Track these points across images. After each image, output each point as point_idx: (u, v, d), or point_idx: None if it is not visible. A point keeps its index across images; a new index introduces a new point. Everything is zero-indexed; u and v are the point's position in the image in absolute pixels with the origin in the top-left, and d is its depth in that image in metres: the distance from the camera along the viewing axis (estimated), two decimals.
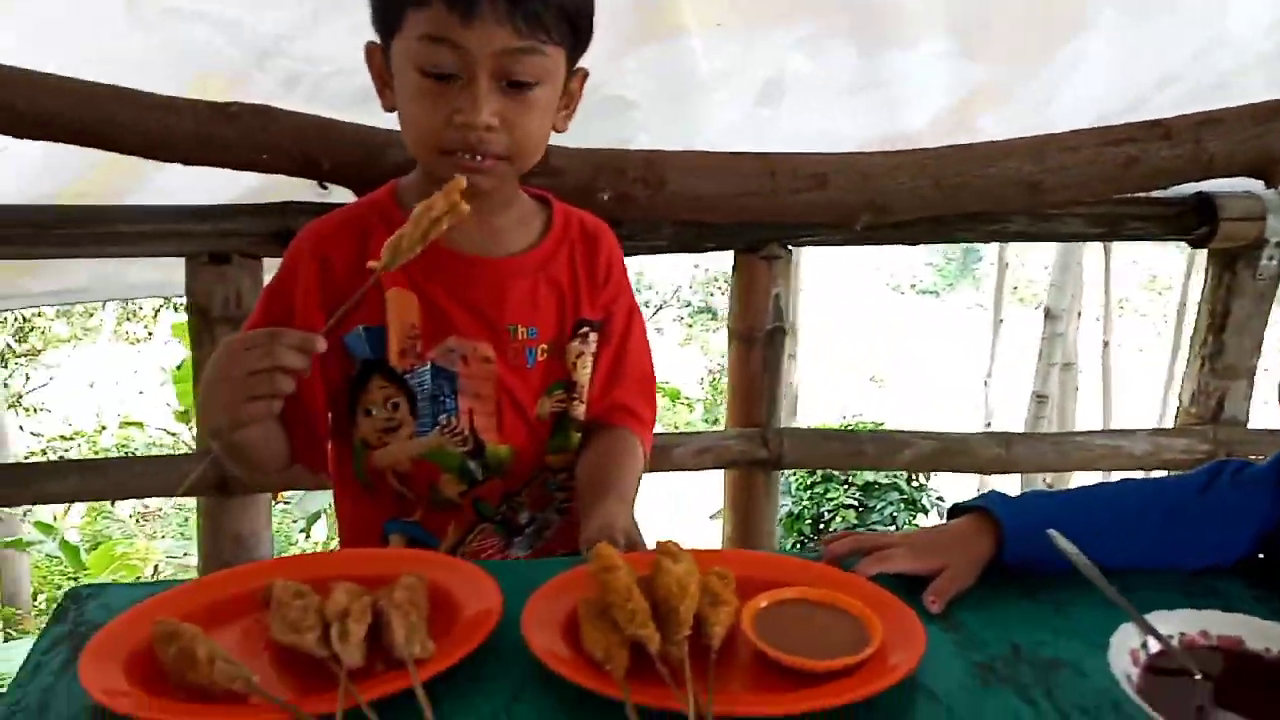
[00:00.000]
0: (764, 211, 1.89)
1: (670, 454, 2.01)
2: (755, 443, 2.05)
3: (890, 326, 16.45)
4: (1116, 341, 9.33)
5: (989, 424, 11.38)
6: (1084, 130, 1.89)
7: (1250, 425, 2.16)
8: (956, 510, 1.20)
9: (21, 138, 1.68)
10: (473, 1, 1.14)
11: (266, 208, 1.82)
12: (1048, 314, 7.00)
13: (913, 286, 17.22)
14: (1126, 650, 0.93)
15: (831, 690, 0.90)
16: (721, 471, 2.10)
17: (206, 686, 0.89)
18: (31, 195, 1.83)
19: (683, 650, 0.91)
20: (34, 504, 2.01)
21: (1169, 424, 2.31)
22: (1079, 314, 7.58)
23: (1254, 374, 2.14)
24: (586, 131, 1.91)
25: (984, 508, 1.15)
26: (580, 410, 1.44)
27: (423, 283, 1.33)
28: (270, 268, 1.83)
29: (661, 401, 10.22)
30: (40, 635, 1.02)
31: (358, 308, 1.26)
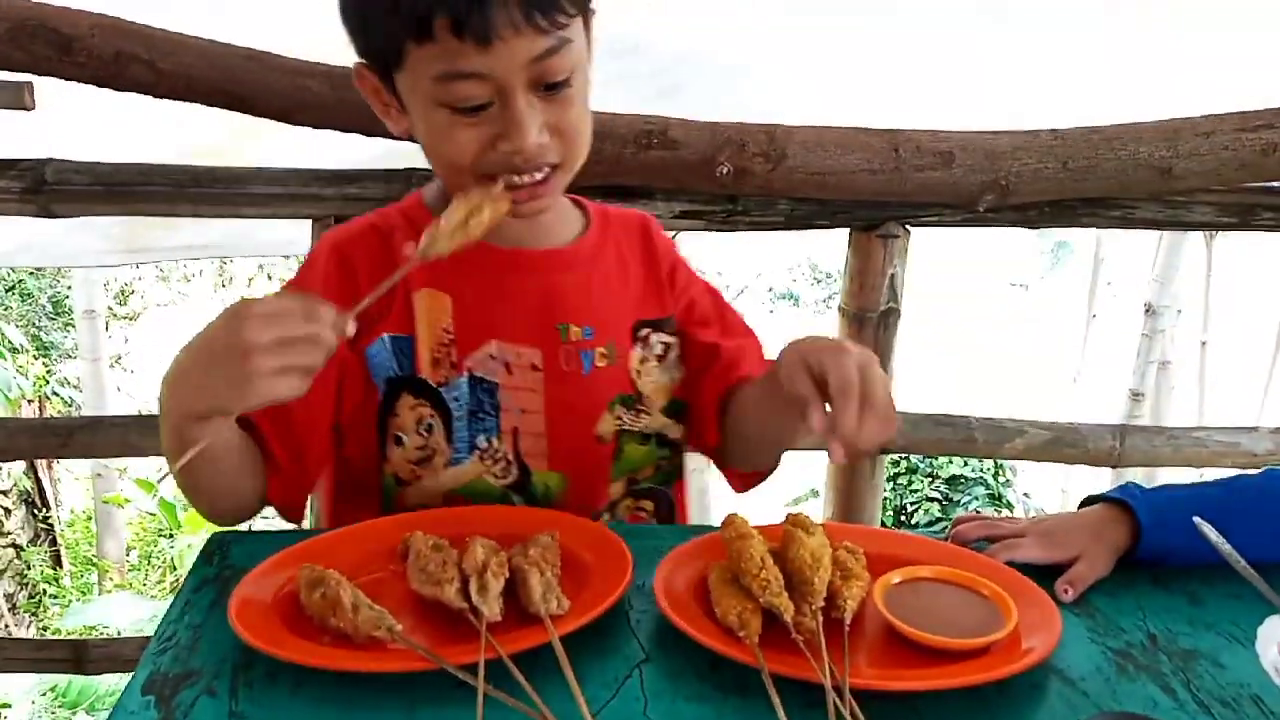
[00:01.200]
0: (884, 189, 1.86)
1: None
2: None
3: (980, 316, 16.16)
4: (1215, 339, 9.04)
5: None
6: (1219, 115, 1.83)
7: None
8: (1088, 501, 1.18)
9: (160, 97, 1.73)
10: (485, 23, 0.98)
11: (393, 173, 1.85)
12: (1149, 309, 6.80)
13: (1004, 279, 16.87)
14: (1274, 643, 0.90)
15: (965, 669, 0.89)
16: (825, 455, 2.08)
17: (350, 632, 0.91)
18: (157, 154, 1.89)
19: (816, 621, 0.91)
20: (126, 456, 2.05)
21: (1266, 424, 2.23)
22: (1179, 311, 7.36)
23: None
24: (702, 98, 1.92)
25: (1120, 499, 1.13)
26: (648, 423, 1.26)
27: (456, 280, 1.18)
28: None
29: None
30: (188, 575, 1.05)
31: (385, 314, 1.16)
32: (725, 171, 1.81)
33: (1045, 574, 1.07)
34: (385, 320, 1.18)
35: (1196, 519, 1.04)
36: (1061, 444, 2.09)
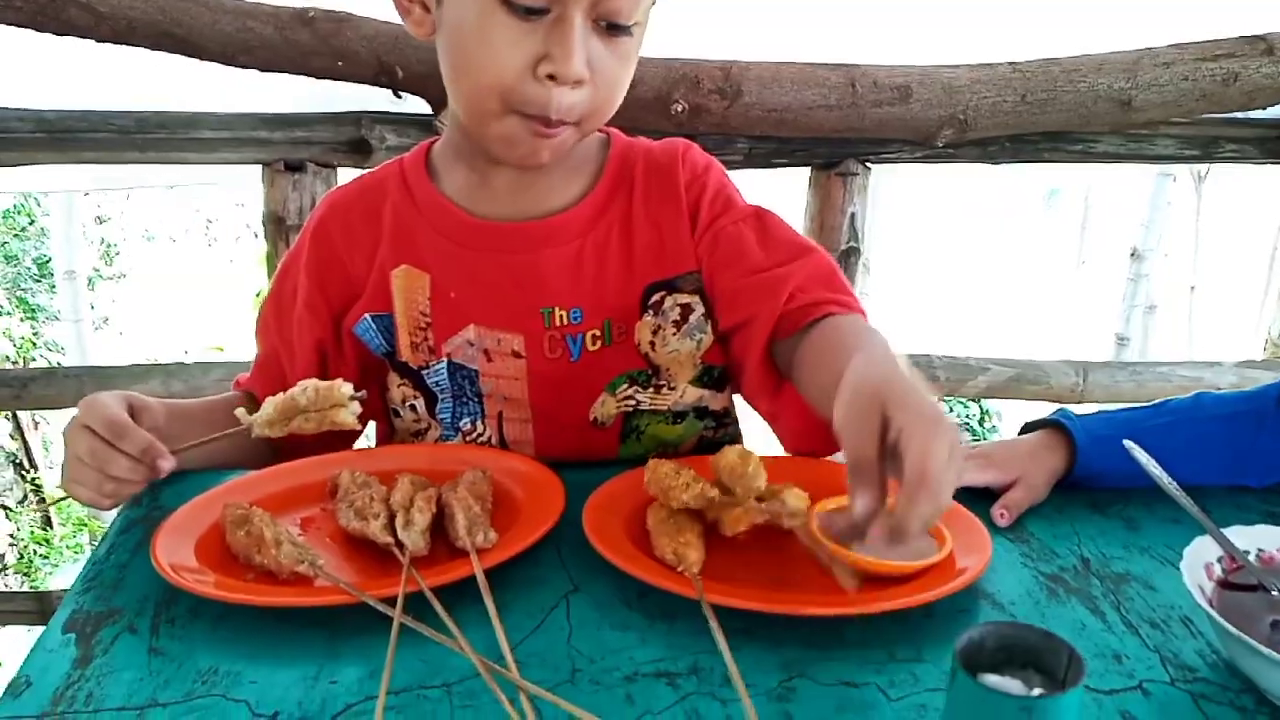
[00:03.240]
0: (842, 125, 1.84)
1: None
2: None
3: (966, 256, 16.14)
4: (1203, 283, 9.03)
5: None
6: (1180, 45, 1.81)
7: None
8: (1028, 428, 1.17)
9: (101, 41, 1.70)
10: None
11: (342, 116, 1.83)
12: (1134, 254, 6.78)
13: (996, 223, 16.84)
14: (1201, 564, 0.90)
15: (895, 593, 0.89)
16: None
17: (274, 569, 0.90)
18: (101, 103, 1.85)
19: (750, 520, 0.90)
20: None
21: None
22: (1165, 255, 7.34)
23: None
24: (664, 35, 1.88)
25: (1057, 422, 1.12)
26: (668, 399, 1.15)
27: (433, 257, 1.10)
28: (345, 177, 1.84)
29: None
30: (116, 517, 1.05)
31: (362, 292, 1.12)
32: (681, 109, 1.79)
33: (984, 499, 1.06)
34: (366, 297, 1.13)
35: (1126, 442, 1.03)
36: (1024, 380, 2.08)
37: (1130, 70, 1.80)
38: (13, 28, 1.68)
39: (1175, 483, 1.01)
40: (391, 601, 0.85)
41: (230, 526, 0.94)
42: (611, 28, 0.96)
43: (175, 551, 0.93)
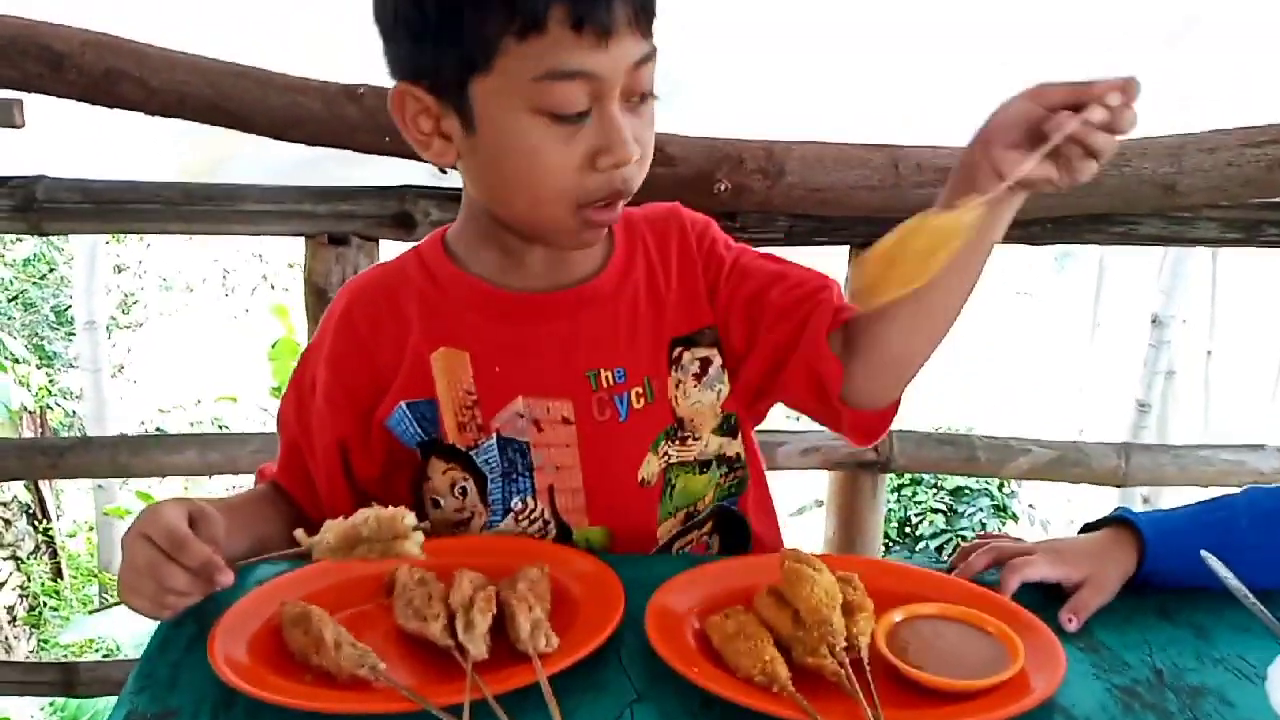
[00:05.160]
0: (885, 205, 1.84)
1: (775, 452, 1.98)
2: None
3: (985, 326, 16.16)
4: (1220, 349, 9.03)
5: (1081, 431, 11.14)
6: (1224, 130, 1.81)
7: None
8: (1088, 528, 1.15)
9: (153, 114, 1.71)
10: (609, 14, 0.93)
11: (386, 190, 1.83)
12: (1155, 320, 6.78)
13: (1007, 285, 16.88)
14: None
15: (970, 710, 0.86)
16: (825, 472, 2.06)
17: (333, 670, 0.88)
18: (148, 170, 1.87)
19: (844, 664, 0.88)
20: (117, 476, 2.08)
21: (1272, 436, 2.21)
22: (1184, 321, 7.34)
23: None
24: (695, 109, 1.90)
25: (1122, 519, 1.10)
26: (694, 450, 1.17)
27: (472, 334, 1.11)
28: (388, 250, 1.84)
29: None
30: None
31: (395, 381, 1.11)
32: (723, 188, 1.79)
33: (1051, 599, 1.04)
34: (399, 387, 1.12)
35: (1204, 553, 1.01)
36: (1066, 463, 2.06)
37: (1174, 155, 1.79)
38: (66, 100, 1.69)
39: (1249, 593, 0.99)
40: (455, 709, 0.83)
41: (288, 625, 0.93)
42: (643, 98, 1.00)
43: (231, 649, 0.91)
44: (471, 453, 1.13)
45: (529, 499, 1.13)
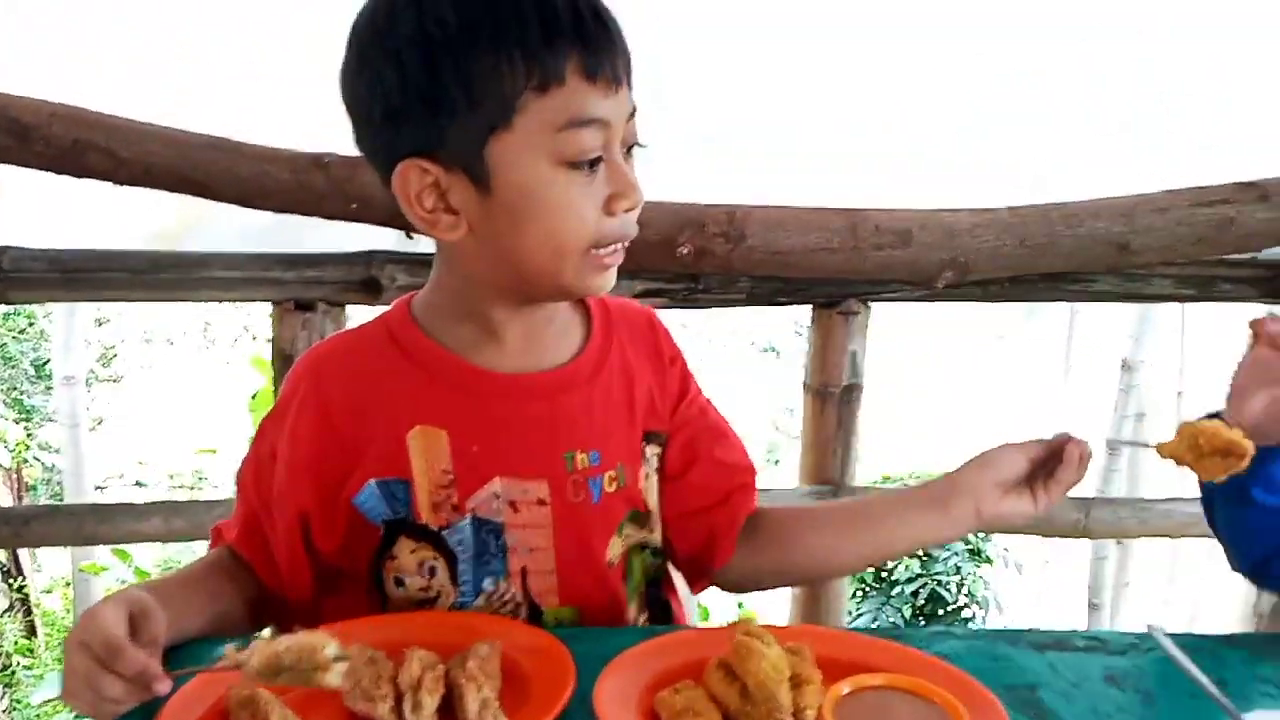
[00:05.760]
0: (844, 267, 1.87)
1: None
2: (826, 499, 2.02)
3: (959, 370, 16.26)
4: (1190, 390, 9.11)
5: None
6: (1175, 191, 1.86)
7: None
8: None
9: (121, 184, 1.73)
10: (612, 66, 0.99)
11: (352, 256, 1.85)
12: (1125, 365, 6.84)
13: (987, 329, 17.01)
14: None
15: None
16: None
17: None
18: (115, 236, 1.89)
19: None
20: (82, 545, 2.07)
21: None
22: (1152, 365, 7.40)
23: None
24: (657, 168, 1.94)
25: None
26: (648, 537, 1.21)
27: (451, 414, 1.10)
28: (355, 316, 1.86)
29: None
30: None
31: (367, 459, 1.10)
32: (686, 251, 1.82)
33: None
34: (370, 464, 1.10)
35: (1152, 628, 1.04)
36: None
37: (1127, 215, 1.84)
38: (33, 170, 1.71)
39: (1195, 668, 1.01)
40: None
41: (235, 709, 0.92)
42: (630, 149, 1.04)
43: None
44: (444, 533, 1.12)
45: (501, 580, 1.13)
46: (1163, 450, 1.10)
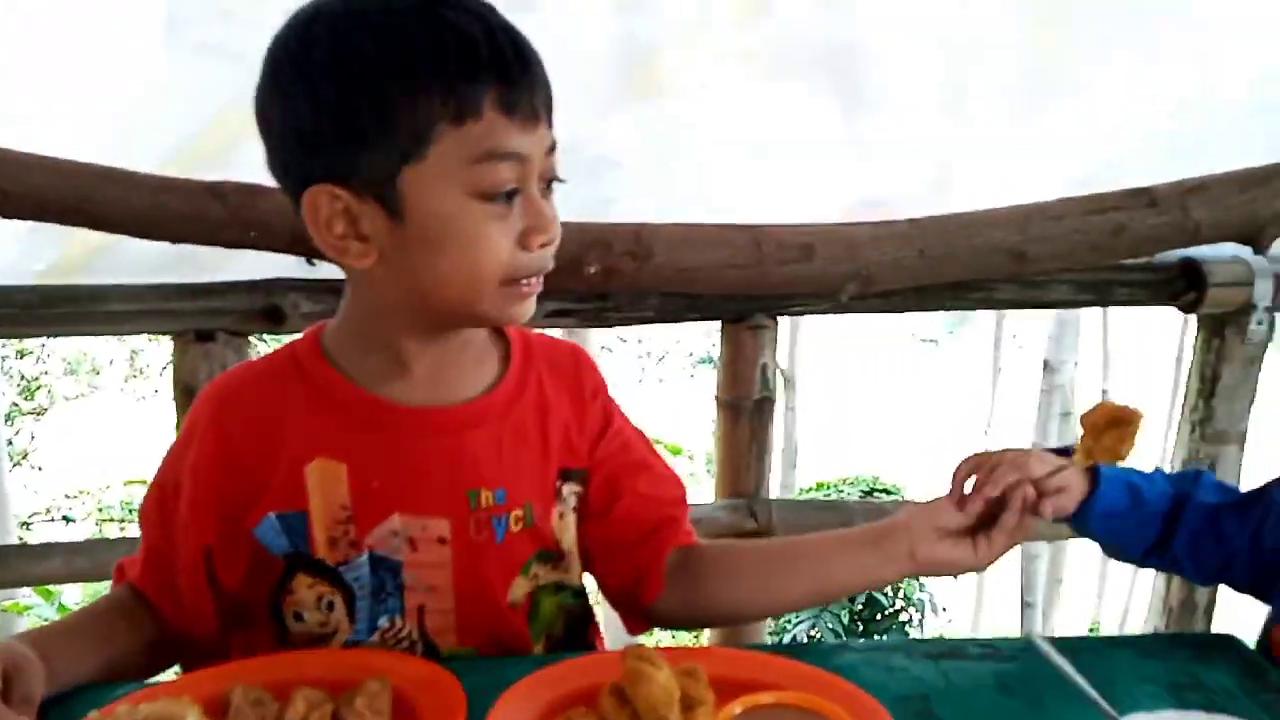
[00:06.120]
0: (750, 283, 1.89)
1: None
2: (743, 514, 2.03)
3: (893, 375, 16.47)
4: (1116, 388, 9.31)
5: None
6: (1069, 199, 1.90)
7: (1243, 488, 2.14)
8: None
9: (10, 218, 1.69)
10: (531, 101, 0.98)
11: (254, 284, 1.83)
12: (1046, 366, 7.00)
13: (913, 335, 17.27)
14: None
15: None
16: None
17: None
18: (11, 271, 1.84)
19: None
20: (19, 586, 2.01)
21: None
22: (1075, 364, 7.58)
23: (1244, 439, 2.13)
24: (572, 192, 1.95)
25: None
26: (563, 578, 1.20)
27: (352, 448, 1.09)
28: (257, 345, 1.83)
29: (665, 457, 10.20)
30: None
31: (267, 491, 1.08)
32: (594, 271, 1.82)
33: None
34: (270, 497, 1.09)
35: (1034, 638, 1.06)
36: None
37: (1022, 224, 1.88)
38: None
39: (1077, 674, 1.04)
40: None
41: None
42: (550, 183, 1.05)
43: None
44: (341, 569, 1.10)
45: (397, 618, 1.12)
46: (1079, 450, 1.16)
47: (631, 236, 1.84)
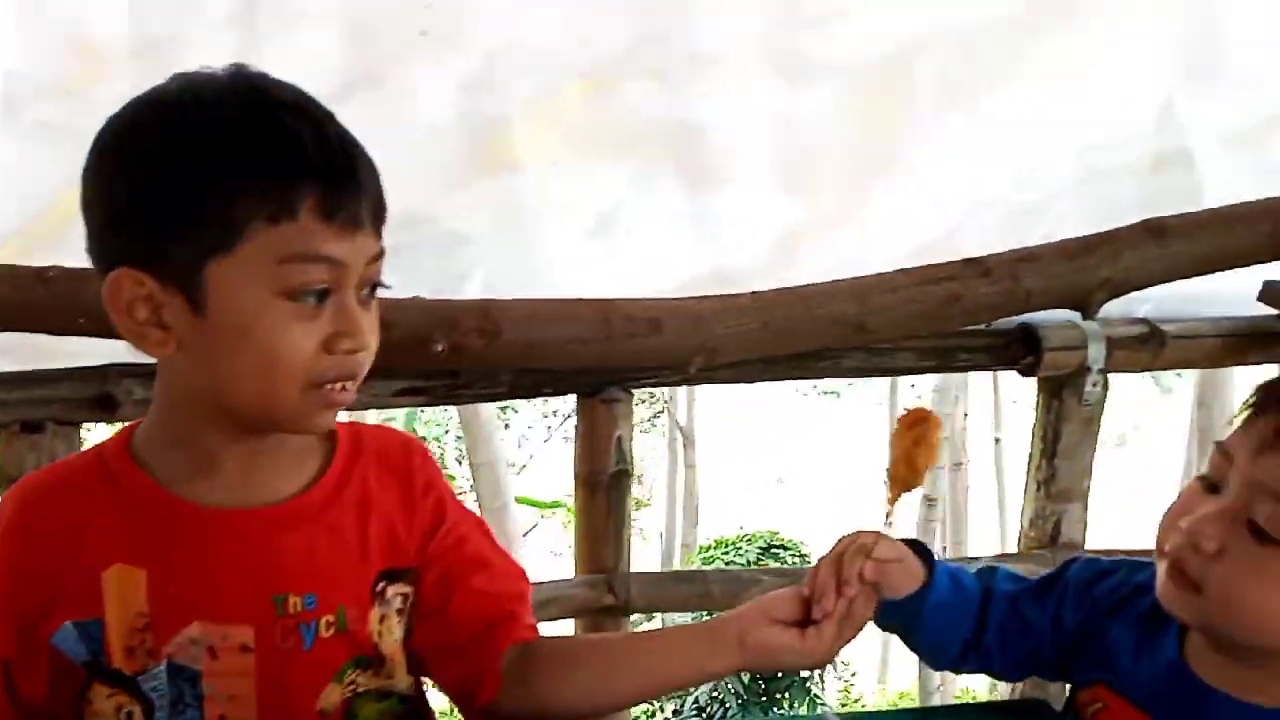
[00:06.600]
0: (598, 358, 1.91)
1: None
2: (601, 589, 2.02)
3: (795, 429, 16.70)
4: (1009, 436, 9.56)
5: (890, 523, 11.58)
6: (905, 270, 1.96)
7: (1087, 546, 2.21)
8: None
9: None
10: (354, 209, 0.97)
11: (85, 371, 1.77)
12: None
13: (814, 387, 17.56)
14: None
15: None
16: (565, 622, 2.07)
17: None
18: None
19: None
20: None
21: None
22: (966, 415, 7.79)
23: (1087, 496, 2.20)
24: (421, 267, 1.96)
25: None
26: (387, 684, 1.15)
27: (153, 552, 1.05)
28: (89, 434, 1.78)
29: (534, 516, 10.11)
30: None
31: (63, 597, 1.03)
32: (441, 349, 1.81)
33: None
34: (67, 605, 1.04)
35: (822, 709, 1.07)
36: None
37: (862, 296, 1.93)
38: None
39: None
40: None
41: None
42: (374, 288, 1.03)
43: None
44: (139, 678, 1.06)
45: None
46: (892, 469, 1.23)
47: (478, 313, 1.84)
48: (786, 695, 6.53)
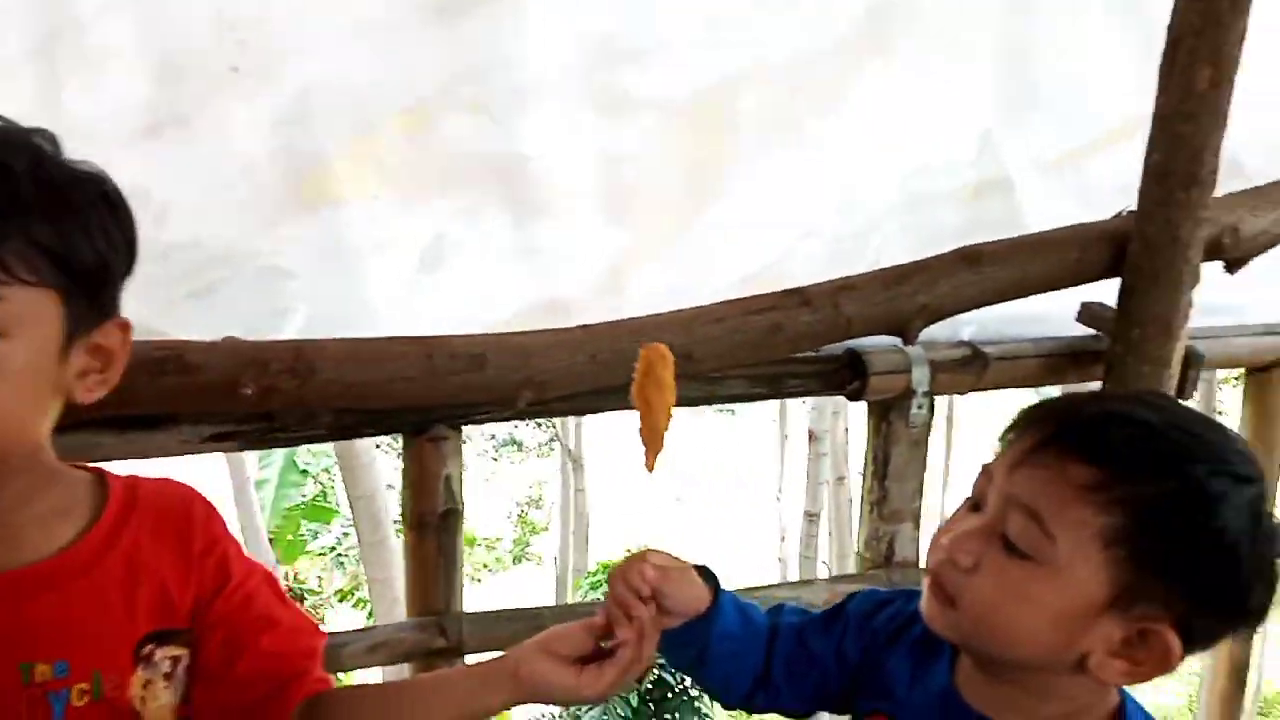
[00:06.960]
0: (422, 395, 1.87)
1: (340, 654, 1.91)
2: (432, 632, 1.98)
3: (691, 447, 16.83)
4: None
5: (784, 538, 11.81)
6: (728, 302, 1.97)
7: (921, 564, 2.26)
8: None
9: None
10: None
11: None
12: (811, 436, 7.29)
13: (709, 405, 17.74)
14: None
15: None
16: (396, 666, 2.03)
17: None
18: None
19: None
20: None
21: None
22: (846, 430, 7.92)
23: (919, 516, 2.25)
24: (239, 302, 1.90)
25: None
26: None
27: None
28: None
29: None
30: None
31: None
32: (250, 392, 1.76)
33: None
34: None
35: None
36: None
37: (687, 327, 1.93)
38: None
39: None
40: None
41: None
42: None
43: None
44: None
45: None
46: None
47: (291, 354, 1.79)
48: (675, 715, 6.55)
